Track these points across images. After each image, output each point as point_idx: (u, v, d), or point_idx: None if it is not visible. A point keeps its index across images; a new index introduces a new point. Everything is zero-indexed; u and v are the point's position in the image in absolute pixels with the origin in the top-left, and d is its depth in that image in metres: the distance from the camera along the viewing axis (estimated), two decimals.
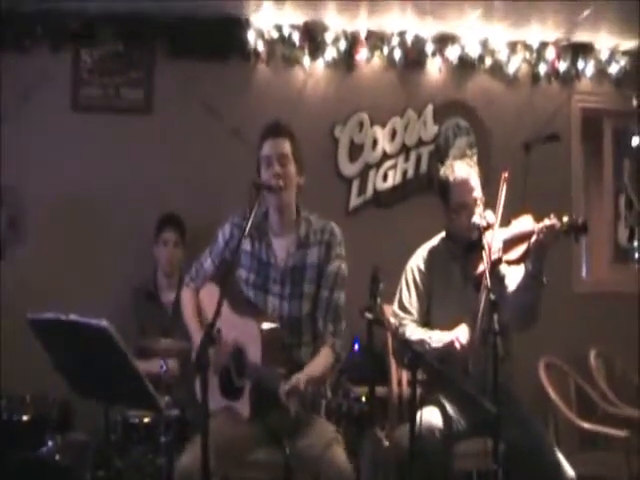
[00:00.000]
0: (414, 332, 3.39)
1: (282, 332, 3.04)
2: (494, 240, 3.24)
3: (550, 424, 4.40)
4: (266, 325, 3.01)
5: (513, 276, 3.32)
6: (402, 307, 3.51)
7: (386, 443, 3.57)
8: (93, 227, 4.52)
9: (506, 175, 3.27)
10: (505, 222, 3.30)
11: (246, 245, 3.19)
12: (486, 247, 3.19)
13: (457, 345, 3.23)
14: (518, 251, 3.22)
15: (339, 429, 3.12)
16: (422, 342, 3.31)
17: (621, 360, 4.76)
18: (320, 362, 3.03)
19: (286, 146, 3.13)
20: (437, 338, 3.32)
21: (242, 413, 3.00)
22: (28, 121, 4.46)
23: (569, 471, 3.18)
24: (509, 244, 3.26)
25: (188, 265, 3.46)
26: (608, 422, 4.33)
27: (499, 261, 3.29)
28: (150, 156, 4.60)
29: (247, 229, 2.87)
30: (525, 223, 3.25)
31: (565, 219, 3.08)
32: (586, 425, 4.26)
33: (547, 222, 3.10)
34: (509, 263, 3.29)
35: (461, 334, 3.25)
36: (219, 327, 2.87)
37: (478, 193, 3.42)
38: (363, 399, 4.00)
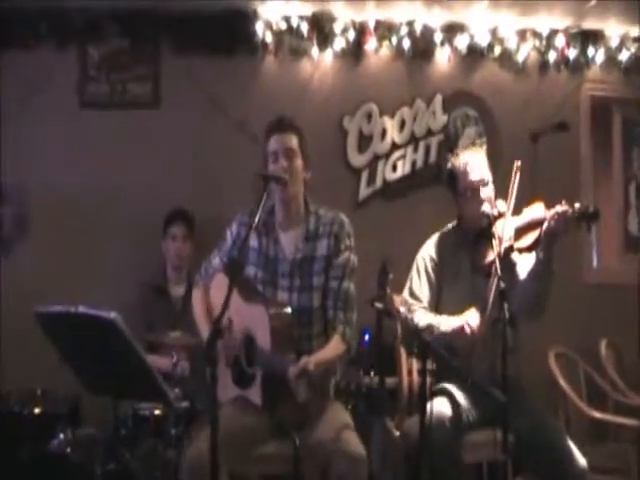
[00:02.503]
0: (423, 317, 3.39)
1: (292, 317, 3.02)
2: (506, 228, 3.23)
3: (561, 415, 4.38)
4: (275, 309, 3.00)
5: (524, 264, 3.31)
6: (412, 294, 3.51)
7: (396, 433, 3.57)
8: (100, 223, 4.50)
9: (519, 164, 3.26)
10: (517, 211, 3.30)
11: (253, 242, 3.18)
12: (496, 236, 3.19)
13: (467, 329, 3.22)
14: (530, 238, 3.22)
15: (349, 407, 3.09)
16: (430, 327, 3.31)
17: (631, 350, 4.73)
18: (330, 349, 3.02)
19: (293, 140, 3.11)
20: (446, 323, 3.31)
21: (254, 401, 3.00)
22: (34, 120, 4.43)
23: (581, 460, 3.17)
24: (521, 231, 3.25)
25: (197, 259, 3.45)
26: (619, 414, 4.32)
27: (510, 249, 3.28)
28: (157, 151, 4.58)
29: (256, 221, 2.86)
30: (537, 210, 3.24)
31: (577, 205, 3.07)
32: (597, 414, 4.24)
33: (559, 208, 3.10)
34: (520, 251, 3.29)
35: (471, 318, 3.24)
36: (230, 317, 2.88)
37: (486, 174, 3.41)
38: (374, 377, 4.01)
